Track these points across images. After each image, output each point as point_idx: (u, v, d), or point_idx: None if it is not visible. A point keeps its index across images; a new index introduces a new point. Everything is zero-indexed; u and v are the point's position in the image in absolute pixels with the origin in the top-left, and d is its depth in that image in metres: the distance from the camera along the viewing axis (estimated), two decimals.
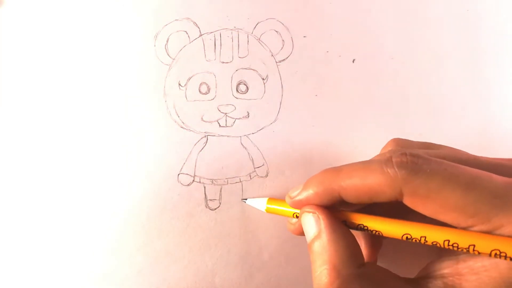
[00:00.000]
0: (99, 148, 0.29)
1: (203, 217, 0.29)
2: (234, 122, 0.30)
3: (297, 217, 0.25)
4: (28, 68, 0.29)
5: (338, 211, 0.23)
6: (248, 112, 0.30)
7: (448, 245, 0.20)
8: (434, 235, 0.20)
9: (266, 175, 0.30)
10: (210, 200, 0.30)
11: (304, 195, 0.23)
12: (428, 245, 0.21)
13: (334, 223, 0.22)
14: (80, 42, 0.29)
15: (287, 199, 0.25)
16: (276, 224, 0.30)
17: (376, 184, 0.20)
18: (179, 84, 0.30)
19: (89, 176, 0.29)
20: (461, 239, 0.19)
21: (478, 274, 0.20)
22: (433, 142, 0.26)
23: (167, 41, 0.29)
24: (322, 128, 0.31)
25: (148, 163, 0.29)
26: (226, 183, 0.30)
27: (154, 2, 0.29)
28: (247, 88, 0.30)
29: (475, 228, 0.19)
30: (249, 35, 0.30)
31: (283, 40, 0.31)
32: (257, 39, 0.30)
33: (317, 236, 0.22)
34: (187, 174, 0.29)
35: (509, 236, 0.18)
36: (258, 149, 0.30)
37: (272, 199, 0.28)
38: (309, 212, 0.23)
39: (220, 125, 0.30)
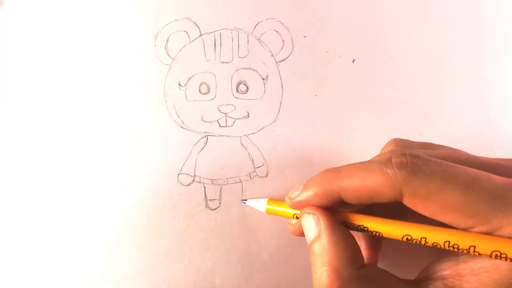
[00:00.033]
0: (99, 148, 0.29)
1: (203, 217, 0.29)
2: (234, 122, 0.30)
3: (297, 218, 0.25)
4: (28, 68, 0.29)
5: (338, 212, 0.23)
6: (248, 112, 0.30)
7: (449, 246, 0.20)
8: (434, 236, 0.20)
9: (266, 175, 0.30)
10: (210, 200, 0.30)
11: (304, 196, 0.23)
12: (428, 246, 0.21)
13: (334, 224, 0.22)
14: (80, 42, 0.29)
15: (287, 200, 0.25)
16: (276, 224, 0.30)
17: (376, 184, 0.20)
18: (179, 84, 0.30)
19: (89, 176, 0.29)
20: (461, 240, 0.19)
21: (479, 275, 0.20)
22: (432, 142, 0.26)
23: (167, 41, 0.29)
24: (322, 128, 0.31)
25: (148, 163, 0.29)
26: (226, 183, 0.30)
27: (154, 2, 0.29)
28: (247, 88, 0.30)
29: (475, 229, 0.19)
30: (249, 35, 0.30)
31: (283, 40, 0.31)
32: (257, 39, 0.30)
33: (317, 238, 0.22)
34: (187, 174, 0.29)
35: (509, 237, 0.18)
36: (258, 149, 0.30)
37: (272, 200, 0.28)
38: (309, 213, 0.23)
39: (220, 125, 0.30)
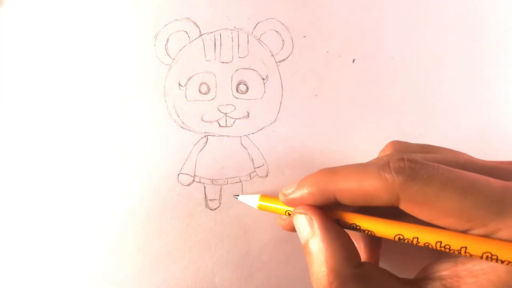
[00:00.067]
0: (99, 148, 0.29)
1: (203, 217, 0.29)
2: (234, 122, 0.30)
3: (289, 215, 0.25)
4: (28, 68, 0.29)
5: (330, 210, 0.23)
6: (248, 112, 0.30)
7: (440, 246, 0.20)
8: (426, 237, 0.20)
9: (266, 175, 0.30)
10: (210, 200, 0.30)
11: (298, 194, 0.23)
12: (428, 247, 0.21)
13: (328, 224, 0.22)
14: (80, 42, 0.29)
15: (280, 196, 0.25)
16: (276, 224, 0.30)
17: (373, 188, 0.20)
18: (179, 84, 0.30)
19: (89, 176, 0.29)
20: (453, 241, 0.19)
21: (477, 277, 0.20)
22: (433, 142, 0.26)
23: (167, 41, 0.29)
24: (322, 128, 0.31)
25: (148, 163, 0.29)
26: (226, 183, 0.30)
27: (154, 2, 0.29)
28: (247, 88, 0.30)
29: (473, 232, 0.19)
30: (249, 35, 0.30)
31: (283, 40, 0.31)
32: (257, 39, 0.30)
33: (311, 238, 0.22)
34: (187, 174, 0.29)
35: (506, 240, 0.18)
36: (258, 149, 0.30)
37: (265, 196, 0.28)
38: (301, 213, 0.23)
39: (220, 125, 0.30)
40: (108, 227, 0.29)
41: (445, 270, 0.21)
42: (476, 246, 0.19)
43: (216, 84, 0.30)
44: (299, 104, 0.31)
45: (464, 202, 0.18)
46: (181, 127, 0.29)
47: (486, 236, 0.19)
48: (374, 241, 0.27)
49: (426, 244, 0.20)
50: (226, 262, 0.29)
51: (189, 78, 0.30)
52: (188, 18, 0.30)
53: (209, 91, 0.30)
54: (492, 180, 0.19)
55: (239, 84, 0.30)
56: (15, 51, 0.28)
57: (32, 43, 0.29)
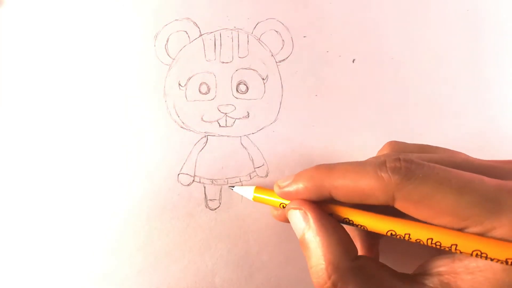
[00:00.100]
0: (99, 148, 0.29)
1: (203, 217, 0.29)
2: (234, 122, 0.30)
3: (283, 207, 0.25)
4: (28, 68, 0.29)
5: (324, 204, 0.23)
6: (248, 112, 0.30)
7: (431, 243, 0.20)
8: (417, 233, 0.20)
9: (266, 175, 0.30)
10: (210, 200, 0.30)
11: (293, 187, 0.23)
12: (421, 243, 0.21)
13: (323, 218, 0.22)
14: (80, 42, 0.29)
15: (275, 188, 0.25)
16: (276, 224, 0.30)
17: (369, 187, 0.20)
18: (179, 84, 0.30)
19: (89, 176, 0.29)
20: (444, 238, 0.20)
21: (473, 273, 0.20)
22: (432, 142, 0.26)
23: (167, 41, 0.29)
24: (322, 128, 0.31)
25: (148, 163, 0.29)
26: (226, 183, 0.30)
27: (154, 2, 0.29)
28: (247, 88, 0.30)
29: (468, 230, 0.19)
30: (249, 35, 0.30)
31: (283, 40, 0.31)
32: (257, 39, 0.30)
33: (307, 232, 0.22)
34: (187, 174, 0.29)
35: (501, 239, 0.18)
36: (258, 149, 0.30)
37: (260, 188, 0.28)
38: (295, 208, 0.23)
39: (220, 125, 0.30)
40: (108, 227, 0.29)
41: (442, 266, 0.21)
42: (466, 244, 0.19)
43: (216, 84, 0.30)
44: (299, 104, 0.31)
45: (459, 201, 0.19)
46: (181, 127, 0.29)
47: (481, 234, 0.19)
48: (371, 236, 0.27)
49: (418, 241, 0.20)
50: (226, 262, 0.29)
51: (189, 78, 0.30)
52: (188, 18, 0.30)
53: (209, 91, 0.30)
54: (487, 179, 0.19)
55: (239, 84, 0.30)
56: (15, 51, 0.29)
57: (32, 43, 0.29)
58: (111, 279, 0.28)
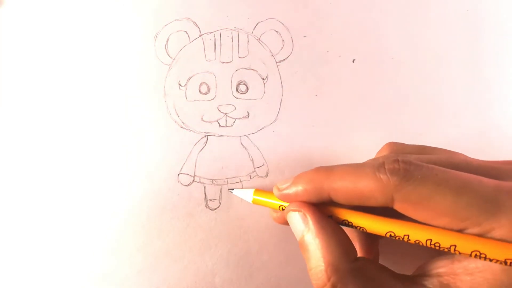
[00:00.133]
0: (99, 148, 0.29)
1: (203, 217, 0.29)
2: (234, 122, 0.30)
3: (283, 210, 0.25)
4: (28, 68, 0.29)
5: (324, 206, 0.23)
6: (248, 112, 0.30)
7: (430, 244, 0.20)
8: (416, 234, 0.20)
9: (266, 175, 0.30)
10: (210, 200, 0.30)
11: (293, 190, 0.23)
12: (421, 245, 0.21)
13: (322, 220, 0.22)
14: (80, 42, 0.29)
15: (275, 190, 0.25)
16: (276, 224, 0.30)
17: (368, 189, 0.20)
18: (179, 84, 0.30)
19: (89, 176, 0.29)
20: (443, 239, 0.20)
21: (473, 274, 0.20)
22: (432, 142, 0.26)
23: (167, 41, 0.29)
24: (322, 128, 0.31)
25: (148, 163, 0.29)
26: (226, 183, 0.30)
27: (154, 2, 0.29)
28: (247, 88, 0.30)
29: (467, 231, 0.19)
30: (249, 35, 0.30)
31: (283, 40, 0.31)
32: (257, 39, 0.30)
33: (307, 234, 0.22)
34: (187, 174, 0.29)
35: (499, 239, 0.18)
36: (258, 149, 0.30)
37: (259, 190, 0.28)
38: (294, 210, 0.23)
39: (220, 125, 0.30)
40: (108, 227, 0.29)
41: (442, 267, 0.21)
42: (465, 245, 0.19)
43: (216, 84, 0.30)
44: (299, 104, 0.31)
45: (458, 201, 0.19)
46: (181, 127, 0.29)
47: (480, 235, 0.19)
48: (370, 237, 0.27)
49: (417, 242, 0.20)
50: (226, 262, 0.30)
51: (189, 78, 0.30)
52: (188, 18, 0.30)
53: (209, 91, 0.30)
54: (485, 179, 0.19)
55: (239, 84, 0.30)
56: (15, 51, 0.29)
57: (32, 43, 0.29)
58: (111, 279, 0.28)
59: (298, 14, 0.31)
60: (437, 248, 0.20)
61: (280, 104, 0.31)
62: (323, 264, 0.21)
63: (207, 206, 0.30)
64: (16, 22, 0.29)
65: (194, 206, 0.29)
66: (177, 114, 0.29)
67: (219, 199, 0.30)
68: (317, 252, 0.21)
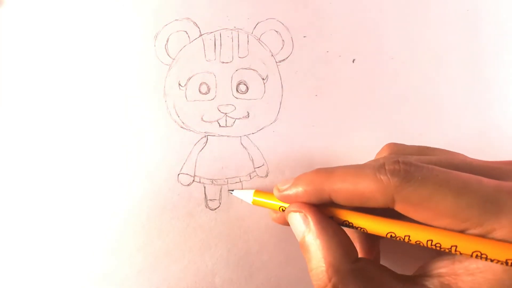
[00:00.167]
0: (99, 148, 0.29)
1: (203, 217, 0.29)
2: (234, 122, 0.30)
3: (283, 210, 0.25)
4: (28, 68, 0.29)
5: (324, 207, 0.23)
6: (248, 112, 0.30)
7: (431, 245, 0.20)
8: (417, 235, 0.20)
9: (266, 175, 0.30)
10: (210, 200, 0.30)
11: (293, 191, 0.23)
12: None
13: (323, 220, 0.22)
14: (80, 42, 0.29)
15: (275, 191, 0.25)
16: (276, 224, 0.30)
17: (368, 190, 0.20)
18: (179, 84, 0.30)
19: (89, 176, 0.29)
20: (443, 240, 0.20)
21: (474, 275, 0.20)
22: (432, 142, 0.26)
23: (167, 41, 0.29)
24: (322, 128, 0.31)
25: (148, 163, 0.29)
26: (226, 183, 0.30)
27: (154, 2, 0.29)
28: (247, 88, 0.30)
29: (469, 232, 0.19)
30: (249, 35, 0.30)
31: (283, 40, 0.31)
32: (257, 39, 0.30)
33: (307, 235, 0.22)
34: (187, 174, 0.29)
35: (501, 240, 0.18)
36: (258, 149, 0.30)
37: (259, 191, 0.28)
38: (295, 211, 0.23)
39: (220, 125, 0.30)
40: (108, 227, 0.29)
41: (443, 267, 0.21)
42: (466, 245, 0.19)
43: (216, 84, 0.30)
44: (299, 104, 0.31)
45: (458, 202, 0.19)
46: (181, 127, 0.29)
47: (481, 236, 0.19)
48: (371, 238, 0.27)
49: (418, 242, 0.20)
50: (226, 262, 0.30)
51: (189, 78, 0.30)
52: (188, 18, 0.30)
53: (209, 91, 0.30)
54: (486, 180, 0.19)
55: (239, 84, 0.30)
56: (15, 51, 0.28)
57: (32, 43, 0.29)
58: (111, 279, 0.28)
59: (298, 14, 0.31)
60: (438, 248, 0.20)
61: (280, 104, 0.31)
62: (324, 265, 0.21)
63: (207, 206, 0.30)
64: (16, 22, 0.29)
65: (194, 206, 0.29)
66: (177, 114, 0.29)
67: (219, 199, 0.30)
68: (318, 253, 0.21)
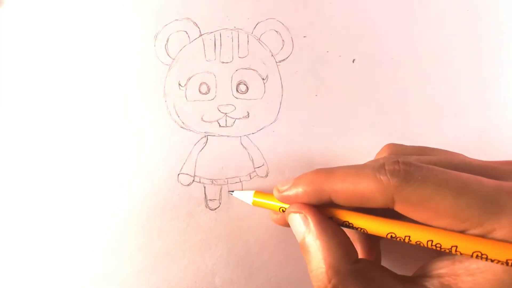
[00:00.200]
0: (99, 148, 0.29)
1: (203, 217, 0.29)
2: (234, 122, 0.30)
3: (283, 211, 0.25)
4: (28, 68, 0.29)
5: (324, 208, 0.23)
6: (248, 112, 0.30)
7: (432, 245, 0.20)
8: (417, 235, 0.20)
9: (266, 175, 0.30)
10: (210, 200, 0.30)
11: (293, 191, 0.23)
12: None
13: (323, 221, 0.22)
14: (80, 42, 0.29)
15: (275, 192, 0.25)
16: (276, 224, 0.30)
17: (368, 190, 0.20)
18: (179, 84, 0.30)
19: (89, 176, 0.29)
20: (444, 240, 0.20)
21: (474, 275, 0.20)
22: (432, 142, 0.26)
23: (167, 41, 0.29)
24: (322, 128, 0.31)
25: (148, 163, 0.29)
26: (226, 183, 0.30)
27: (154, 2, 0.29)
28: (247, 88, 0.30)
29: (469, 232, 0.19)
30: (249, 35, 0.30)
31: (283, 40, 0.31)
32: (257, 39, 0.30)
33: (308, 236, 0.22)
34: (187, 174, 0.29)
35: (501, 240, 0.18)
36: (258, 149, 0.30)
37: (259, 192, 0.28)
38: (295, 212, 0.23)
39: (220, 125, 0.30)
40: (108, 227, 0.29)
41: (443, 268, 0.21)
42: (466, 245, 0.19)
43: (216, 84, 0.30)
44: (299, 104, 0.31)
45: (458, 202, 0.19)
46: (181, 127, 0.29)
47: (481, 236, 0.19)
48: (371, 239, 0.27)
49: (418, 243, 0.20)
50: (226, 262, 0.30)
51: (189, 78, 0.30)
52: (188, 18, 0.30)
53: (209, 91, 0.30)
54: (485, 180, 0.19)
55: (239, 84, 0.30)
56: (15, 51, 0.28)
57: (32, 43, 0.29)
58: (111, 279, 0.28)
59: (298, 14, 0.31)
60: (438, 249, 0.20)
61: (280, 104, 0.31)
62: (324, 266, 0.21)
63: (207, 206, 0.30)
64: (16, 22, 0.29)
65: (194, 206, 0.29)
66: (177, 114, 0.29)
67: (219, 199, 0.30)
68: (318, 254, 0.21)
